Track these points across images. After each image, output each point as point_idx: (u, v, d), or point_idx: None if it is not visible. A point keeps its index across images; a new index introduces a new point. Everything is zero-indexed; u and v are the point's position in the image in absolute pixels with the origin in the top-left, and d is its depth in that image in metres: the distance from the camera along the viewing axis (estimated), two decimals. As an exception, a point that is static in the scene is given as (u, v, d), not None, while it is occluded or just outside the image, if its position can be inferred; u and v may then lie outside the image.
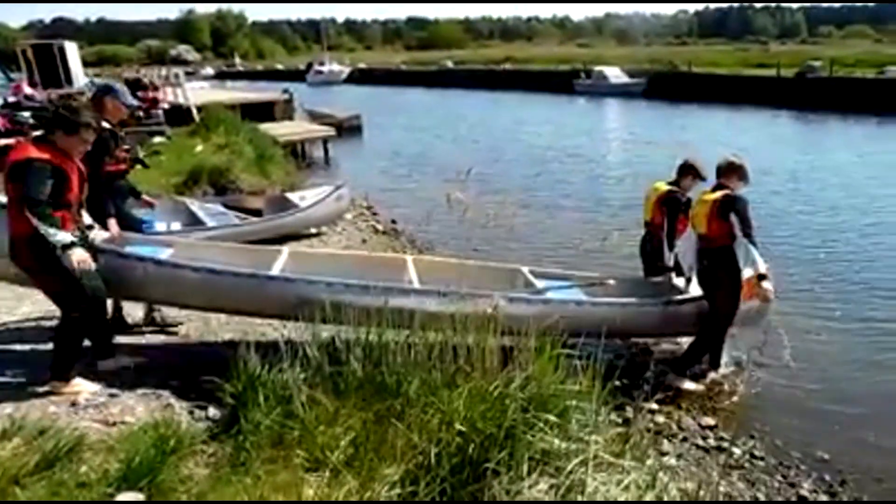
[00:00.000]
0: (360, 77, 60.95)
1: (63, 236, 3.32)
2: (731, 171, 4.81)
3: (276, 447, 2.77)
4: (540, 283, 5.39)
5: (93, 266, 3.47)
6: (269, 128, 15.90)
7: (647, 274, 5.64)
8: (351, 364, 3.14)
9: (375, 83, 55.72)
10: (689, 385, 4.85)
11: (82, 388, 3.63)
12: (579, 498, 1.89)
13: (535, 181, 13.84)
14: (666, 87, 36.00)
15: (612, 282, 5.46)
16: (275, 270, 4.68)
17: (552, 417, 2.29)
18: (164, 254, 4.72)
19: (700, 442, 4.27)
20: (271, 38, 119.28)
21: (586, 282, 5.54)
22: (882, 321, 6.14)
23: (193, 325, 5.07)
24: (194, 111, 15.74)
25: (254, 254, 5.22)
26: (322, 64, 64.24)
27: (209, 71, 70.49)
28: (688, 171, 5.32)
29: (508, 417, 2.23)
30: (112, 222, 4.41)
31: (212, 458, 2.92)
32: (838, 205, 10.82)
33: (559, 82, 42.82)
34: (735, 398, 4.73)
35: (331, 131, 17.76)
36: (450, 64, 63.53)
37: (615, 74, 40.55)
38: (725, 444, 4.20)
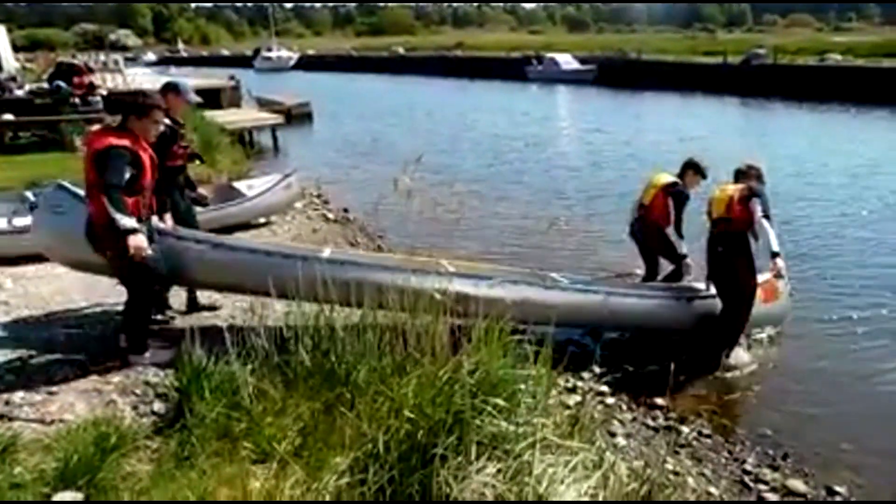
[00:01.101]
0: (309, 63, 59.98)
1: (127, 221, 3.49)
2: (749, 174, 5.10)
3: (222, 440, 2.71)
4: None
5: (149, 252, 3.61)
6: (215, 115, 15.49)
7: (645, 258, 5.86)
8: (299, 353, 3.10)
9: (325, 70, 54.90)
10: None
11: (158, 358, 3.86)
12: (526, 480, 1.91)
13: (487, 169, 13.90)
14: (617, 74, 36.56)
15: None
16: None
17: (501, 402, 2.30)
18: None
19: (650, 422, 4.37)
20: (216, 22, 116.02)
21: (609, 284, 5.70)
22: (827, 299, 6.39)
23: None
24: (136, 98, 15.16)
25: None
26: (270, 50, 62.95)
27: (151, 57, 68.18)
28: (690, 168, 5.67)
29: (457, 403, 2.23)
30: (167, 217, 4.48)
31: (156, 454, 2.85)
32: (801, 195, 10.84)
33: (511, 69, 43.03)
34: (683, 379, 4.81)
35: (279, 119, 17.42)
36: (401, 50, 63.09)
37: (566, 61, 40.96)
38: (674, 424, 4.32)
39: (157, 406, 3.60)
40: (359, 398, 2.65)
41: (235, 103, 19.48)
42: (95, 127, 4.81)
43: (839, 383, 4.93)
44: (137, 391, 3.83)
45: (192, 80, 22.68)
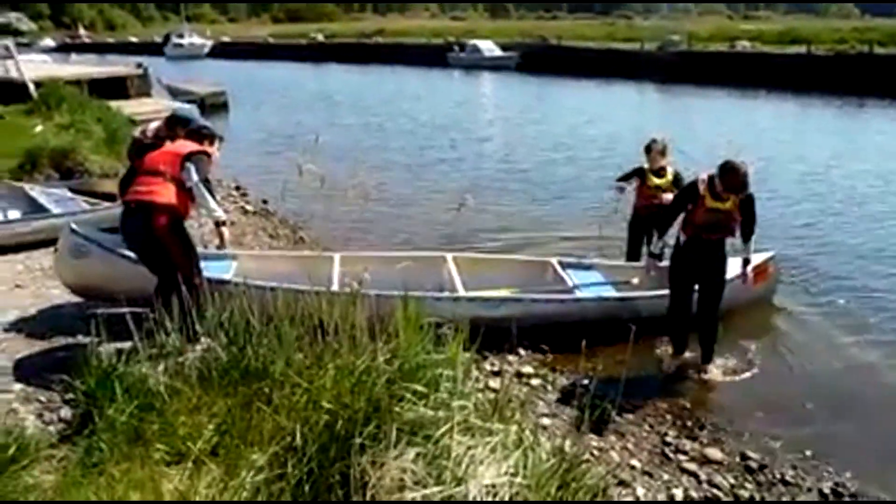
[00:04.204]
0: (224, 51, 57.78)
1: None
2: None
3: (133, 443, 2.60)
4: (570, 276, 5.72)
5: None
6: (122, 105, 14.66)
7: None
8: (214, 350, 3.01)
9: (242, 57, 53.01)
10: (719, 375, 4.89)
11: None
12: (444, 463, 1.93)
13: (408, 155, 13.95)
14: (539, 60, 37.14)
15: (636, 280, 5.65)
16: (334, 278, 5.01)
17: (420, 387, 2.31)
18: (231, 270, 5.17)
19: (574, 401, 4.49)
20: (122, 7, 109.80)
21: (614, 273, 5.88)
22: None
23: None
24: (31, 87, 14.17)
25: (307, 260, 5.48)
26: (181, 36, 60.09)
27: (49, 43, 63.68)
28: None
29: (376, 391, 2.22)
30: None
31: (62, 463, 2.71)
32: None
33: (433, 56, 42.97)
34: (606, 356, 4.91)
35: (193, 108, 16.71)
36: (320, 37, 61.67)
37: (488, 48, 41.24)
38: (598, 402, 4.45)
39: (65, 412, 3.43)
40: (277, 392, 2.60)
41: (145, 93, 18.51)
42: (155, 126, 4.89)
43: (749, 355, 5.18)
44: (42, 398, 3.63)
45: (95, 67, 21.56)
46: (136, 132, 5.07)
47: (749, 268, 4.96)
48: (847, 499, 3.66)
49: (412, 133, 17.03)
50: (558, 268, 5.84)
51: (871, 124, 18.64)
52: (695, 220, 4.64)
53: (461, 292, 5.22)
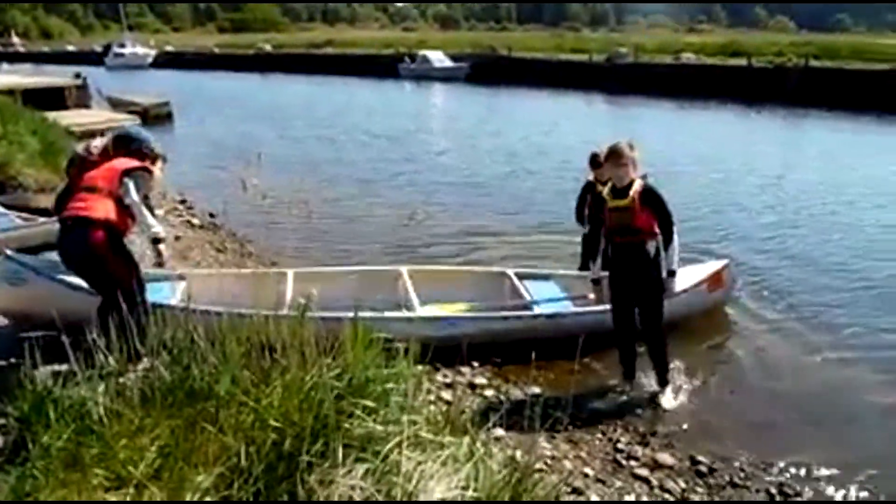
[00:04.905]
0: (168, 61, 56.58)
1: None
2: None
3: (70, 469, 2.48)
4: (525, 287, 5.71)
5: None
6: (60, 117, 14.18)
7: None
8: (157, 369, 2.91)
9: (187, 68, 51.93)
10: (673, 402, 4.72)
11: None
12: (394, 479, 1.90)
13: (358, 168, 13.87)
14: (489, 71, 37.54)
15: (592, 296, 5.34)
16: (287, 296, 4.98)
17: (369, 402, 2.28)
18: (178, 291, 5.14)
19: (528, 412, 4.50)
20: (59, 15, 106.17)
21: (571, 284, 5.84)
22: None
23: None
24: (-43, 97, 13.58)
25: (259, 278, 5.48)
26: (123, 46, 58.53)
27: (-22, 51, 61.28)
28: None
29: (324, 408, 2.19)
30: None
31: (-9, 494, 2.56)
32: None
33: (383, 67, 42.98)
34: (558, 366, 4.87)
35: (135, 120, 16.26)
36: (268, 47, 60.96)
37: (439, 59, 41.47)
38: (551, 412, 4.48)
39: (-4, 441, 3.25)
40: (223, 411, 2.52)
41: (84, 104, 17.97)
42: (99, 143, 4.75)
43: (700, 361, 5.29)
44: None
45: (31, 77, 20.75)
46: (80, 148, 4.91)
47: (674, 280, 4.58)
48: (794, 498, 3.78)
49: (365, 145, 16.96)
50: (515, 279, 5.85)
51: (814, 135, 19.43)
52: (606, 225, 4.58)
53: (416, 307, 5.20)
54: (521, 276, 5.92)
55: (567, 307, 5.58)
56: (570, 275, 6.12)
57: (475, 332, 5.05)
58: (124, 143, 4.45)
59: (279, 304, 4.28)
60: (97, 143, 4.68)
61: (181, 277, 5.41)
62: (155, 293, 4.73)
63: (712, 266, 5.90)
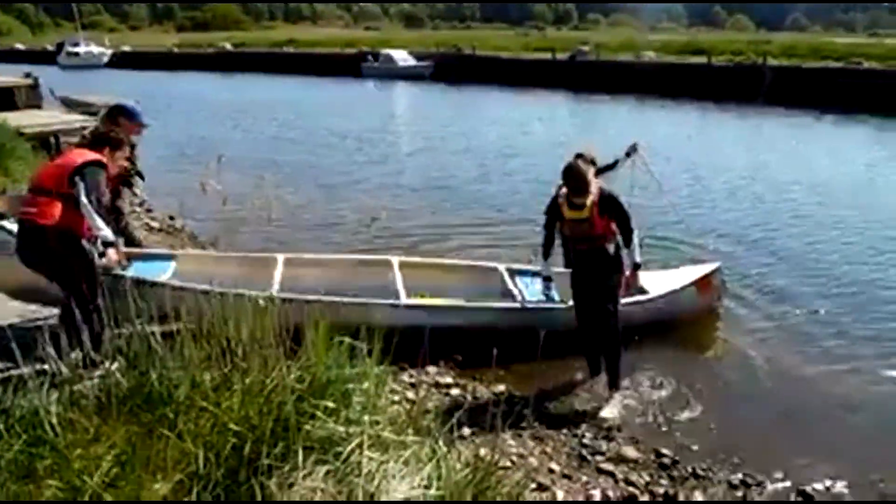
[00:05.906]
0: (125, 61, 55.28)
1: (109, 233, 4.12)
2: None
3: (22, 482, 2.41)
4: (516, 282, 5.66)
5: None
6: (9, 118, 13.72)
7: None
8: (114, 375, 2.84)
9: (144, 67, 50.80)
10: (616, 410, 4.69)
11: None
12: (356, 480, 1.89)
13: (325, 171, 13.76)
14: (453, 70, 37.54)
15: None
16: (275, 280, 5.03)
17: (330, 404, 2.27)
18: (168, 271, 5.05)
19: (493, 409, 4.50)
20: (7, 12, 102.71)
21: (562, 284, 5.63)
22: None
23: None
24: None
25: (251, 262, 5.54)
26: (76, 45, 56.96)
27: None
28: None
29: (285, 410, 2.16)
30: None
31: (-62, 511, 2.47)
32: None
33: (347, 66, 42.68)
34: (522, 364, 4.83)
35: (90, 121, 15.83)
36: (229, 46, 59.99)
37: (403, 58, 41.33)
38: (518, 409, 4.49)
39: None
40: (182, 417, 2.47)
41: (35, 104, 17.41)
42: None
43: (667, 357, 5.39)
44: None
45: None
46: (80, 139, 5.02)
47: (638, 273, 4.76)
48: (755, 488, 3.87)
49: (329, 146, 16.80)
50: (506, 274, 5.83)
51: (777, 132, 19.80)
52: (564, 233, 4.65)
53: (402, 297, 5.15)
54: (512, 272, 5.90)
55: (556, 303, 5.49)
56: (563, 272, 6.14)
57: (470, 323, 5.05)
58: (126, 115, 4.99)
59: (267, 288, 4.33)
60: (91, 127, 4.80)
61: (171, 257, 5.35)
62: (143, 270, 4.68)
63: (702, 269, 6.00)
